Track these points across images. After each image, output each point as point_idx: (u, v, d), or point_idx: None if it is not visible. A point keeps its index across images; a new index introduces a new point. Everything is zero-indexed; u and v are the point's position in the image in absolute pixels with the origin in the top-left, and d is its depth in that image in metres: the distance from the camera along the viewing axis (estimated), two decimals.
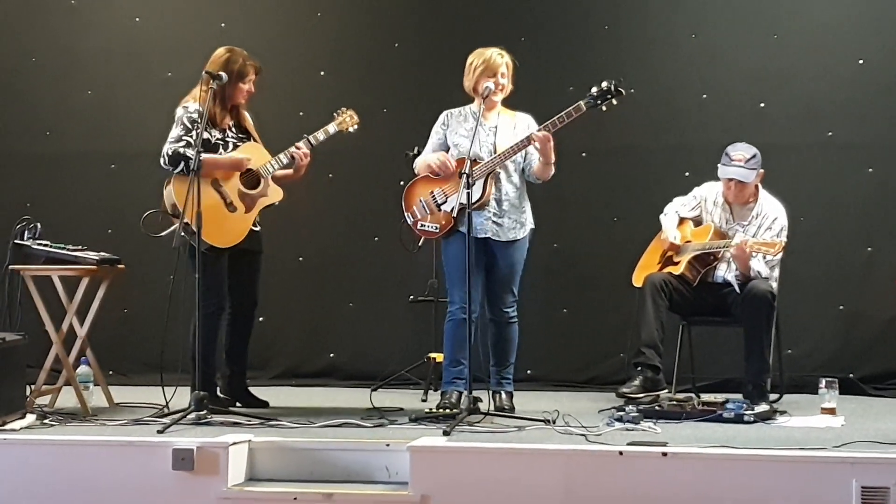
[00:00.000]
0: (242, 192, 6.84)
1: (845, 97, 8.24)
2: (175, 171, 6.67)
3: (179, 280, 6.33)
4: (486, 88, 6.64)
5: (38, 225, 6.96)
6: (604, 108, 6.61)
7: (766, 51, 8.34)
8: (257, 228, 6.96)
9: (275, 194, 6.94)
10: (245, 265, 6.97)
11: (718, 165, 7.14)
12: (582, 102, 6.58)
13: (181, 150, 6.64)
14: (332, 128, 7.09)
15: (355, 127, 7.16)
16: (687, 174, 7.91)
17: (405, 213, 6.89)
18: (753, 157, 7.10)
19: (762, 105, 8.32)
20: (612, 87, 6.58)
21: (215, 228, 6.68)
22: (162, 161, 6.72)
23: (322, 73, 8.86)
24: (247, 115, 7.06)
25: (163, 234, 6.56)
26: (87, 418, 6.50)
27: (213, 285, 6.75)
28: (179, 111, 6.82)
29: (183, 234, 6.33)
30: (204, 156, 6.53)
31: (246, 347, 7.11)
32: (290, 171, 6.99)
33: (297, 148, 6.92)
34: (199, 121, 6.60)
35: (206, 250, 6.62)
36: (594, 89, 6.60)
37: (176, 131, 6.76)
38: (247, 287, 7.01)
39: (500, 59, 6.73)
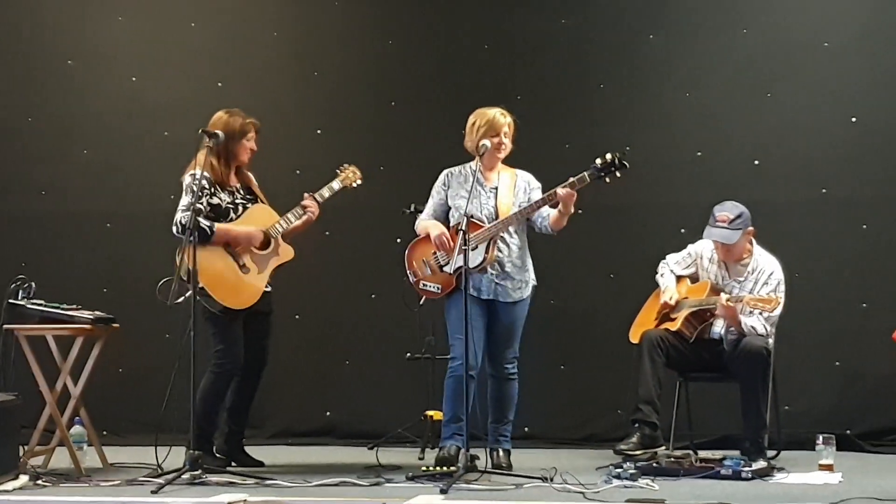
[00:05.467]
0: (254, 253, 6.87)
1: (839, 154, 8.27)
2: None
3: (182, 339, 6.30)
4: (482, 146, 6.65)
5: (33, 284, 6.95)
6: (607, 180, 6.61)
7: (760, 109, 8.38)
8: (269, 289, 6.97)
9: (286, 254, 6.97)
10: (257, 325, 7.00)
11: (706, 226, 7.15)
12: (586, 174, 6.58)
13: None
14: (336, 184, 7.12)
15: (359, 182, 7.20)
16: (682, 231, 7.91)
17: (407, 272, 6.90)
18: (739, 216, 7.09)
19: (756, 162, 8.35)
20: (617, 160, 6.57)
21: (230, 290, 6.76)
22: (174, 230, 6.73)
23: (318, 131, 8.89)
24: (251, 175, 7.10)
25: (179, 300, 6.53)
26: (81, 479, 6.46)
27: (230, 346, 6.83)
28: (187, 179, 6.83)
29: (198, 298, 6.37)
30: (218, 226, 6.74)
31: (249, 407, 7.11)
32: (298, 223, 7.00)
33: (306, 206, 6.96)
34: (206, 186, 6.63)
35: (220, 312, 6.70)
36: (598, 161, 6.59)
37: (185, 199, 6.77)
38: (258, 347, 7.02)
39: (503, 118, 6.75)
